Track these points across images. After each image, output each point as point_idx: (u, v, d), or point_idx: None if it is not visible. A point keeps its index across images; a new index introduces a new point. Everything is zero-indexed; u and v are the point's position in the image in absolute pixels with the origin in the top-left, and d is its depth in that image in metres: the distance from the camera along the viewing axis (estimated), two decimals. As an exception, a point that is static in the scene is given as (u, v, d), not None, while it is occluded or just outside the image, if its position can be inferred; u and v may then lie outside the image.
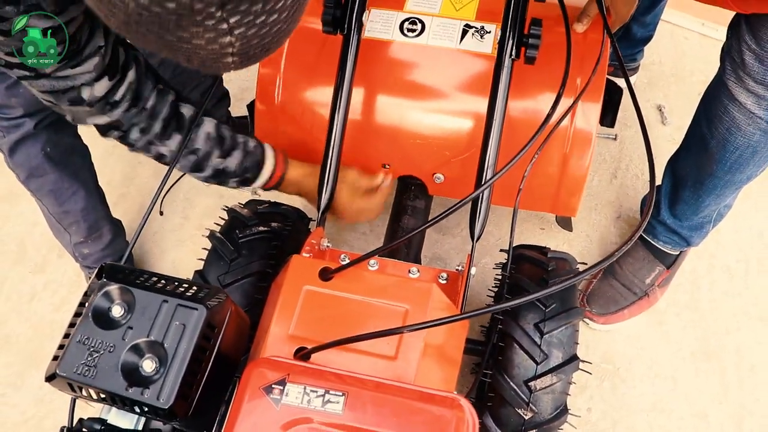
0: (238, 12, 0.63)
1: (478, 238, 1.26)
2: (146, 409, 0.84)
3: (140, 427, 0.94)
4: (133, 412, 0.87)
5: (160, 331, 0.86)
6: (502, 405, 1.23)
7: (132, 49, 1.12)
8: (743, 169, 1.42)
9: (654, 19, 1.91)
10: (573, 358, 1.23)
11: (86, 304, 0.88)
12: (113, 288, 0.88)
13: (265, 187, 1.37)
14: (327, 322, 1.05)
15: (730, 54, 1.28)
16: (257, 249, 1.30)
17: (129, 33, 0.66)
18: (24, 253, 1.94)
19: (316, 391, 0.88)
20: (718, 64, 1.34)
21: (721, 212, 1.64)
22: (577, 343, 1.26)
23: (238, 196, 1.47)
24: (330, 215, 1.39)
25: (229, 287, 1.27)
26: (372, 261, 1.24)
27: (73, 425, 0.93)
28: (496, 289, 1.39)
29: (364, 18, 1.34)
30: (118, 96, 1.10)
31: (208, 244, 1.33)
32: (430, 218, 1.45)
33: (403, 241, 1.36)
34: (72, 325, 0.87)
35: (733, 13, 1.26)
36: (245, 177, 1.31)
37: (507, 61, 1.25)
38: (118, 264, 0.92)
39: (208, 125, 1.25)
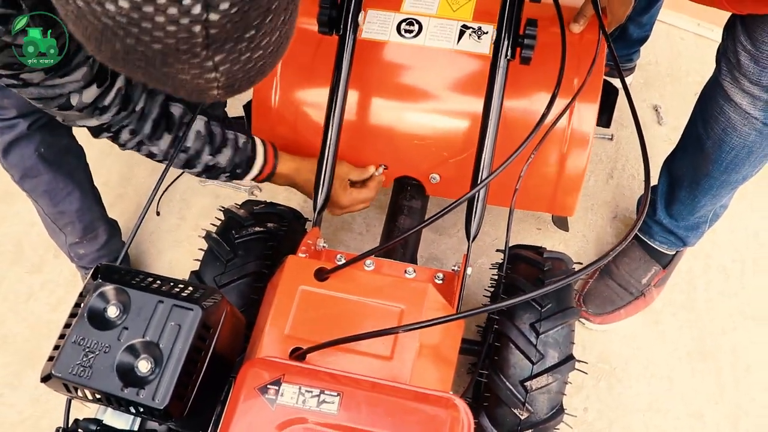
0: (223, 51, 0.64)
1: (474, 238, 1.26)
2: (142, 409, 0.84)
3: (136, 428, 0.94)
4: (129, 412, 0.86)
5: (156, 331, 0.86)
6: (498, 405, 1.23)
7: None
8: (739, 169, 1.42)
9: (650, 19, 1.91)
10: (569, 358, 1.23)
11: (81, 305, 0.88)
12: (109, 288, 0.88)
13: (257, 180, 1.39)
14: (322, 322, 1.06)
15: (725, 55, 1.28)
16: (253, 249, 1.31)
17: (116, 66, 0.67)
18: (21, 253, 1.94)
19: (312, 391, 0.88)
20: (714, 65, 1.34)
21: (717, 212, 1.64)
22: (573, 343, 1.26)
23: (235, 197, 1.47)
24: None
25: (225, 288, 1.27)
26: (368, 261, 1.24)
27: (69, 426, 0.93)
28: (492, 289, 1.39)
29: (360, 19, 1.34)
30: (107, 101, 1.11)
31: (205, 245, 1.33)
32: (426, 218, 1.45)
33: (399, 241, 1.36)
34: (67, 325, 0.87)
35: (729, 13, 1.26)
36: (236, 172, 1.34)
37: (502, 62, 1.26)
38: (113, 264, 0.92)
39: (198, 123, 1.26)
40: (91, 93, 1.07)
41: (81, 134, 1.52)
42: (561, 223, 1.74)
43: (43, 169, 1.53)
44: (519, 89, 1.37)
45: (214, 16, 0.60)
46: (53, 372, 0.84)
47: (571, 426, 1.35)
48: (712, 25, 2.21)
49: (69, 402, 0.97)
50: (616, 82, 1.41)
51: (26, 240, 1.96)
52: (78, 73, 1.03)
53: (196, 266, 1.32)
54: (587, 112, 1.39)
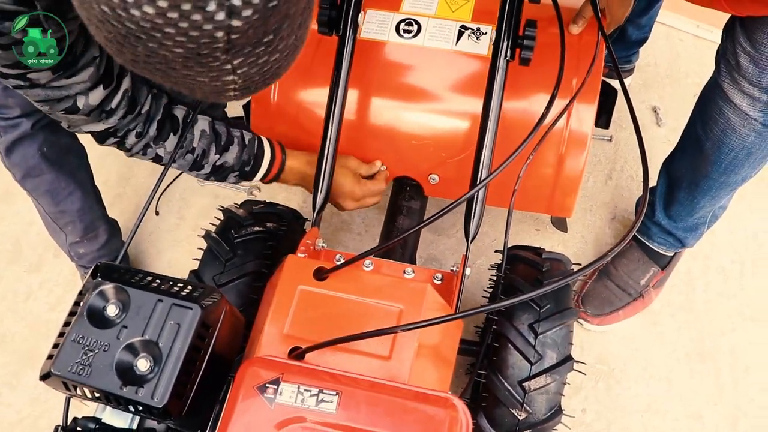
0: (242, 55, 0.66)
1: (473, 239, 1.26)
2: (140, 408, 0.84)
3: (135, 426, 0.94)
4: (128, 411, 0.87)
5: (155, 330, 0.86)
6: (496, 405, 1.23)
7: None
8: (738, 171, 1.42)
9: (649, 21, 1.91)
10: (567, 359, 1.23)
11: (81, 303, 0.88)
12: (108, 287, 0.88)
13: (267, 179, 1.37)
14: (321, 321, 1.06)
15: (725, 56, 1.28)
16: (252, 249, 1.31)
17: (136, 69, 0.69)
18: (20, 252, 1.94)
19: (310, 391, 0.88)
20: (713, 66, 1.34)
21: (715, 213, 1.65)
22: (572, 344, 1.26)
23: (234, 197, 1.47)
24: (333, 205, 1.42)
25: (224, 287, 1.27)
26: (367, 261, 1.24)
27: (68, 424, 0.93)
28: (491, 290, 1.39)
29: (359, 19, 1.34)
30: (113, 104, 1.11)
31: (204, 244, 1.33)
32: (425, 219, 1.46)
33: (397, 241, 1.36)
34: (67, 324, 0.87)
35: (728, 15, 1.26)
36: (244, 170, 1.32)
37: (502, 63, 1.26)
38: (113, 263, 0.92)
39: (203, 123, 1.26)
40: (97, 95, 1.07)
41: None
42: (559, 224, 1.74)
43: (46, 169, 1.53)
44: (518, 90, 1.37)
45: (236, 23, 0.61)
46: (52, 370, 0.85)
47: (570, 427, 1.35)
48: (712, 27, 2.21)
49: (68, 400, 0.97)
50: (615, 84, 1.42)
51: (25, 239, 1.96)
52: (85, 74, 1.03)
53: (196, 266, 1.32)
54: (586, 113, 1.39)
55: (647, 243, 1.72)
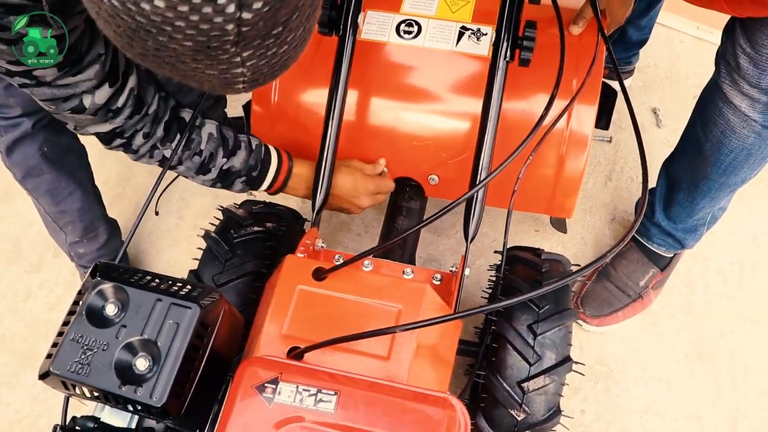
0: (251, 47, 0.66)
1: (472, 239, 1.26)
2: (139, 407, 0.84)
3: (133, 426, 0.94)
4: (127, 410, 0.86)
5: (154, 329, 0.86)
6: (495, 406, 1.23)
7: None
8: (737, 172, 1.42)
9: (649, 22, 1.91)
10: (566, 360, 1.23)
11: (80, 303, 0.88)
12: (107, 286, 0.88)
13: (275, 188, 1.36)
14: (320, 321, 1.06)
15: (725, 57, 1.29)
16: (252, 249, 1.31)
17: (145, 63, 0.69)
18: (19, 252, 1.94)
19: (309, 390, 0.88)
20: (713, 68, 1.34)
21: (715, 215, 1.65)
22: (571, 345, 1.26)
23: (233, 197, 1.47)
24: (344, 211, 1.43)
25: (223, 287, 1.27)
26: (366, 261, 1.24)
27: (67, 423, 0.93)
28: (490, 291, 1.39)
29: (359, 20, 1.34)
30: (120, 103, 1.10)
31: (203, 244, 1.33)
32: (424, 219, 1.46)
33: (397, 241, 1.36)
34: (66, 323, 0.87)
35: (728, 16, 1.26)
36: (251, 176, 1.31)
37: (501, 64, 1.26)
38: (112, 263, 0.92)
39: (210, 126, 1.26)
40: (103, 93, 1.07)
41: (81, 133, 1.52)
42: (559, 224, 1.74)
43: (46, 168, 1.53)
44: (518, 91, 1.37)
45: (247, 15, 0.61)
46: (51, 369, 0.85)
47: (568, 428, 1.35)
48: (712, 28, 2.21)
49: (67, 399, 0.97)
50: (615, 85, 1.42)
51: (25, 239, 1.96)
52: (90, 71, 1.02)
53: (195, 266, 1.32)
54: (586, 114, 1.39)
55: (647, 244, 1.73)
